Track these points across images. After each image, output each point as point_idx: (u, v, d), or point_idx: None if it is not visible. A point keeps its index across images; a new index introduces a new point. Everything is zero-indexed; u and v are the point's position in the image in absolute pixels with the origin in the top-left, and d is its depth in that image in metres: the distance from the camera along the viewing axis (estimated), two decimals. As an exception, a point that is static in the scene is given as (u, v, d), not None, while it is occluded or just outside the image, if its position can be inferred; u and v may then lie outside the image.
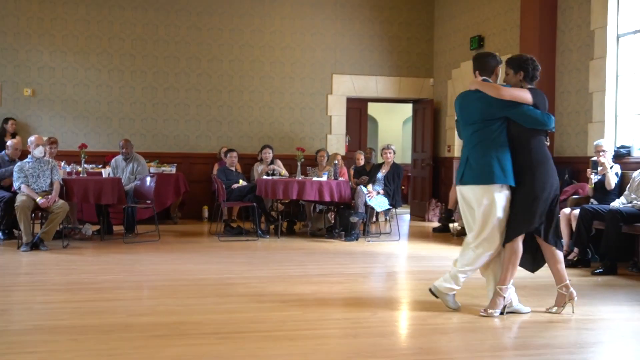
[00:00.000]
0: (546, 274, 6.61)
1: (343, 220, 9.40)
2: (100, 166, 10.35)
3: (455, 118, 5.15)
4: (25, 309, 4.92)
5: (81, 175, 8.90)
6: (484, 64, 4.88)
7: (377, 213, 10.33)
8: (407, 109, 14.81)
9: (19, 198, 7.74)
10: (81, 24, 11.43)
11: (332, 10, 12.35)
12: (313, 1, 12.26)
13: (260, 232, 9.22)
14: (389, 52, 12.61)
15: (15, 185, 7.90)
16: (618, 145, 8.06)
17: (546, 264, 4.89)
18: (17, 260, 7.10)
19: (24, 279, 6.22)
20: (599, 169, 7.34)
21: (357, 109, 13.03)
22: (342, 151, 12.41)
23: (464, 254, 4.82)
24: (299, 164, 9.60)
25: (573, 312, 4.77)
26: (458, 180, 4.88)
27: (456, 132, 5.21)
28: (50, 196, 7.79)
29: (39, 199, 7.71)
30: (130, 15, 11.61)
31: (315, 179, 9.29)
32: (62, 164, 9.34)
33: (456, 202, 9.72)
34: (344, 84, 12.45)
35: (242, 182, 9.69)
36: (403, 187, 11.64)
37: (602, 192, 7.38)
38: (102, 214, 8.92)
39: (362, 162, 10.81)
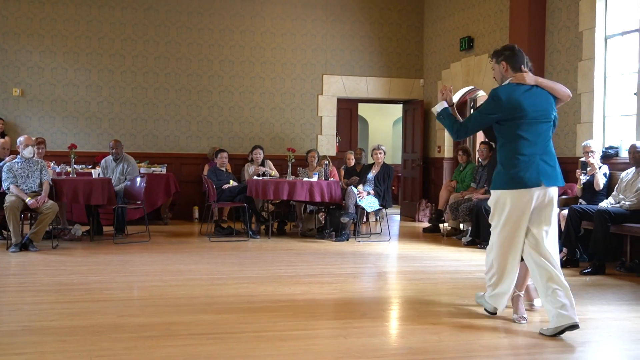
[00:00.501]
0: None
1: (333, 220, 9.43)
2: (90, 167, 10.38)
3: (494, 115, 4.54)
4: (14, 310, 4.91)
5: (71, 175, 8.89)
6: (523, 59, 4.59)
7: (368, 213, 10.37)
8: (398, 110, 14.84)
9: (8, 198, 7.73)
10: (70, 24, 11.40)
11: (323, 11, 12.38)
12: (304, 2, 12.29)
13: (250, 232, 9.23)
14: (379, 53, 12.66)
15: (4, 185, 7.87)
16: (606, 146, 8.10)
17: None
18: (6, 261, 7.07)
19: (13, 280, 6.18)
20: (588, 169, 7.41)
21: (347, 109, 13.07)
22: (333, 151, 12.46)
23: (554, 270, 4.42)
24: (289, 164, 9.63)
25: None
26: (545, 181, 4.44)
27: (450, 133, 4.73)
28: (39, 197, 7.77)
29: (28, 200, 7.70)
30: (120, 15, 11.59)
31: (305, 179, 9.32)
32: (52, 164, 9.32)
33: (446, 202, 9.86)
34: (334, 84, 12.49)
35: (232, 183, 9.72)
36: (393, 188, 11.70)
37: (591, 192, 7.45)
38: (92, 215, 8.91)
39: (352, 163, 10.84)
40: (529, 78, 4.51)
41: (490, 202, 4.71)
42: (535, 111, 4.44)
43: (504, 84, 4.59)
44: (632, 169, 7.10)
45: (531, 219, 4.48)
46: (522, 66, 4.54)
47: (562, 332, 4.24)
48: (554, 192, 4.50)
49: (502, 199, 4.53)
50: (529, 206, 4.43)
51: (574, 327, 4.22)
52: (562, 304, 4.23)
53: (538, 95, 4.48)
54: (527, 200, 4.43)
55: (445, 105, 4.78)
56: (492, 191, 4.67)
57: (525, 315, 4.66)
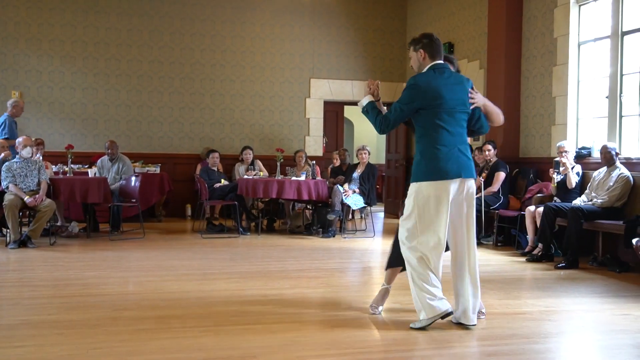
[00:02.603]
0: (511, 268, 6.73)
1: (320, 217, 9.58)
2: (86, 166, 10.40)
3: (413, 103, 4.52)
4: (13, 304, 4.96)
5: (68, 175, 8.97)
6: (440, 48, 4.50)
7: (353, 211, 10.37)
8: (382, 112, 15.00)
9: (7, 197, 7.79)
10: (67, 29, 11.48)
11: (310, 18, 12.54)
12: (292, 9, 12.43)
13: (241, 229, 9.37)
14: (364, 57, 12.83)
15: (3, 184, 7.95)
16: (579, 146, 8.26)
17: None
18: (5, 257, 7.15)
19: (12, 276, 6.24)
20: (562, 169, 7.57)
21: (333, 111, 13.19)
22: (320, 152, 12.59)
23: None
24: (278, 164, 9.76)
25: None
26: (464, 173, 4.39)
27: (374, 127, 4.72)
28: (37, 195, 7.86)
29: (26, 198, 7.78)
30: (115, 20, 11.67)
31: (294, 178, 9.45)
32: (53, 167, 9.38)
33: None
34: (321, 87, 12.64)
35: (223, 182, 9.84)
36: (377, 186, 11.75)
37: (564, 190, 7.61)
38: (88, 213, 9.00)
39: (338, 163, 10.93)
40: (480, 98, 4.49)
41: (409, 195, 4.41)
42: (453, 99, 4.33)
43: (422, 72, 4.43)
44: (604, 169, 7.27)
45: (451, 213, 4.34)
46: (439, 56, 4.40)
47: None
48: (472, 184, 4.40)
49: (425, 191, 4.30)
50: (448, 198, 4.27)
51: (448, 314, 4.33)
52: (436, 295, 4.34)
53: (456, 85, 4.37)
54: (447, 191, 4.26)
55: (371, 99, 4.62)
56: (411, 184, 4.41)
57: (380, 309, 4.72)
